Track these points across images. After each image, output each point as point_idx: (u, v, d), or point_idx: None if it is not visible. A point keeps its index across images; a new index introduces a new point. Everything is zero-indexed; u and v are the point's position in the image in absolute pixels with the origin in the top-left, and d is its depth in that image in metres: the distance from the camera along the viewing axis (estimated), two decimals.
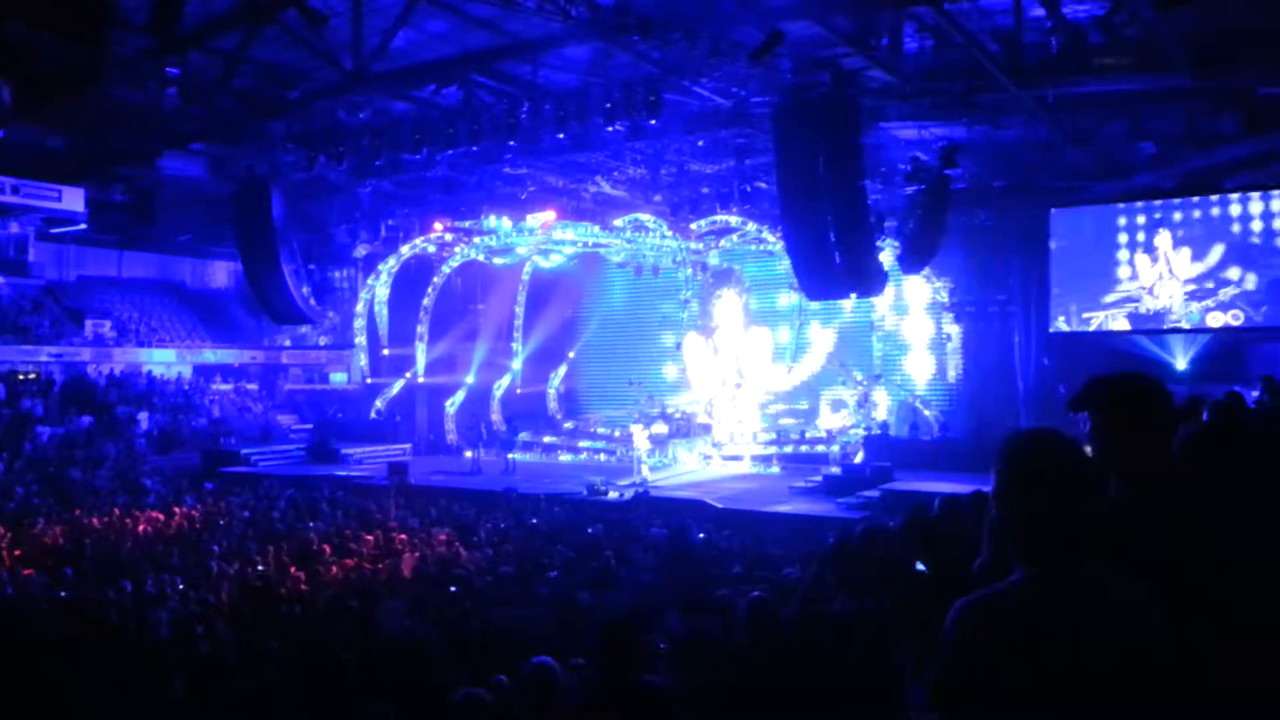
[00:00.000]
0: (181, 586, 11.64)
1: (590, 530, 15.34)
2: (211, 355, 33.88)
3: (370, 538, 15.08)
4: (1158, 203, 22.83)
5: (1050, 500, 1.93)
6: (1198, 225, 22.56)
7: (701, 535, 14.96)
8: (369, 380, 32.83)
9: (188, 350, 33.34)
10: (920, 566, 3.66)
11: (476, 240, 28.69)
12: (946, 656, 1.88)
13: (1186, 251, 22.60)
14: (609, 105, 17.18)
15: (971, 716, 1.86)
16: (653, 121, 17.29)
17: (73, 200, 26.97)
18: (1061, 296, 24.25)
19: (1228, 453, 3.16)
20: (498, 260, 30.78)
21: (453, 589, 10.88)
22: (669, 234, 26.59)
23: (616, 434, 28.37)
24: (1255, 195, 21.86)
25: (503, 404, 31.36)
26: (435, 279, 31.35)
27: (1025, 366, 25.09)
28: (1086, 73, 15.78)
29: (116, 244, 33.44)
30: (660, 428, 27.00)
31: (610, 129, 17.74)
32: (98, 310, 32.14)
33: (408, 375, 31.75)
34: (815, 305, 25.72)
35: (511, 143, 18.83)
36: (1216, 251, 22.33)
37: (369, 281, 31.62)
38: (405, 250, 29.64)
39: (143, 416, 28.20)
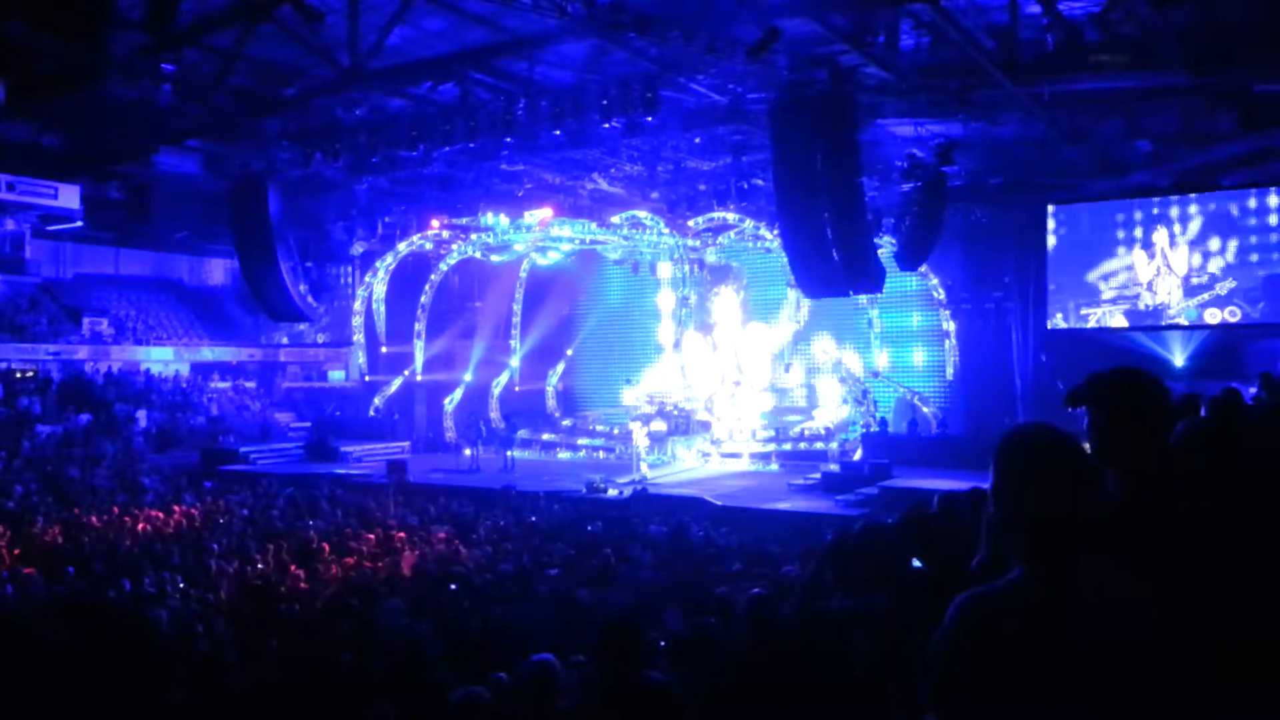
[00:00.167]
0: (182, 585, 11.65)
1: (589, 528, 15.35)
2: (209, 353, 33.85)
3: (370, 536, 15.08)
4: (1155, 200, 22.86)
5: (1048, 496, 1.93)
6: (1194, 222, 22.60)
7: (700, 533, 14.98)
8: (367, 378, 32.82)
9: (185, 348, 33.31)
10: (917, 564, 3.67)
11: (474, 237, 28.69)
12: (944, 654, 1.89)
13: (1184, 248, 22.64)
14: (606, 102, 17.17)
15: (969, 714, 1.87)
16: (649, 118, 17.27)
17: (69, 197, 26.94)
18: (1059, 293, 24.28)
19: (1225, 449, 3.17)
20: (495, 257, 30.76)
21: (452, 587, 10.89)
22: (666, 231, 26.59)
23: (615, 431, 28.39)
24: (1252, 192, 21.90)
25: (501, 401, 31.36)
26: (433, 276, 31.35)
27: (1023, 363, 25.14)
28: (1083, 70, 15.79)
29: (113, 241, 33.41)
30: (659, 425, 27.01)
31: (607, 126, 17.72)
32: (95, 308, 32.10)
33: (406, 373, 31.74)
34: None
35: (508, 140, 18.81)
36: (1213, 248, 22.37)
37: (366, 279, 31.60)
38: (402, 247, 29.63)
39: (141, 415, 28.17)
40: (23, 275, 31.04)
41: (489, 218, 26.68)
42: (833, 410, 27.33)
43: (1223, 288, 22.12)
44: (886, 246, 21.39)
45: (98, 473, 23.11)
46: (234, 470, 25.24)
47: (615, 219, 27.13)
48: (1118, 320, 23.61)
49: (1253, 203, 22.02)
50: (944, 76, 16.31)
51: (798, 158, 16.37)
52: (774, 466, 25.20)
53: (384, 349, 32.45)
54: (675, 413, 28.23)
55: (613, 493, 20.50)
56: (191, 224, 30.83)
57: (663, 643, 6.61)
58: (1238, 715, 2.14)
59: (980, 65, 15.39)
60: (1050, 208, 24.14)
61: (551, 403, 32.60)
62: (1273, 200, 21.82)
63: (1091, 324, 23.91)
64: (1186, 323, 22.71)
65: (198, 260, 37.15)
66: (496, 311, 33.00)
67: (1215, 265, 22.34)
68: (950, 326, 26.59)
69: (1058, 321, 24.36)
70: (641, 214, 26.80)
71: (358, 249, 29.71)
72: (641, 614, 6.97)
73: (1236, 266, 22.09)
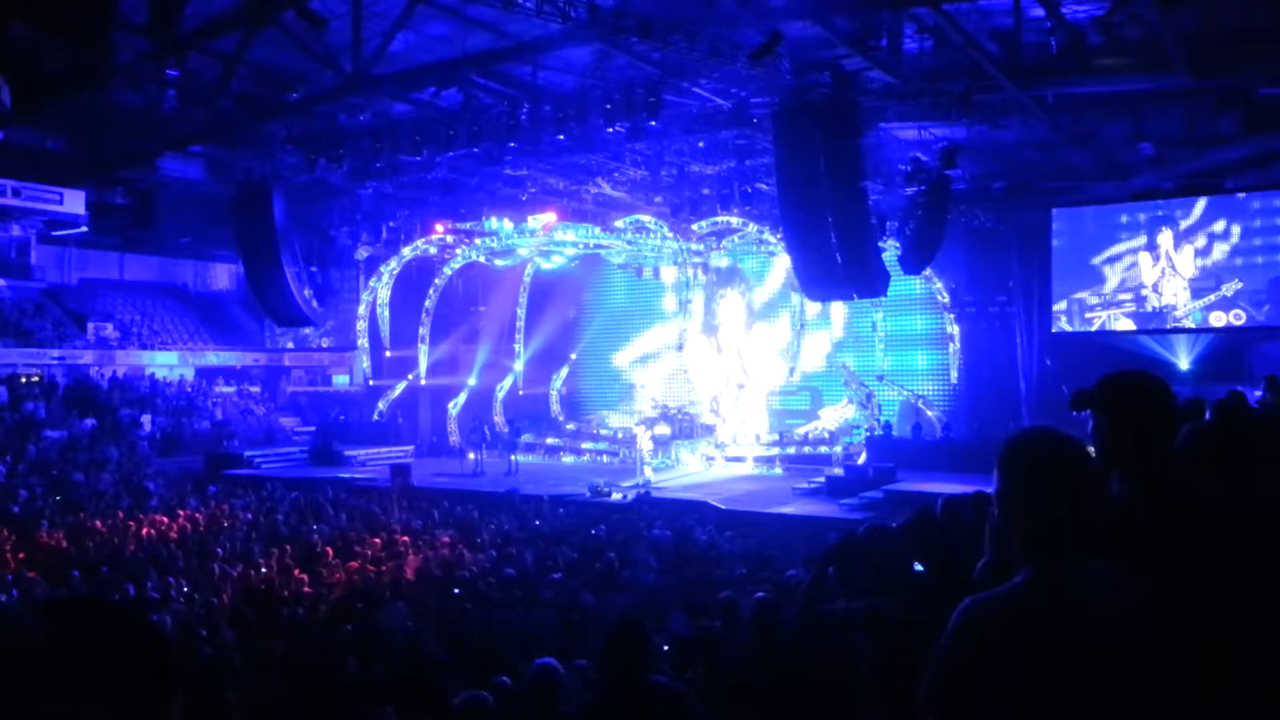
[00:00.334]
0: (186, 589, 11.66)
1: (594, 532, 15.34)
2: (214, 357, 33.90)
3: (374, 540, 15.08)
4: (1159, 202, 22.83)
5: (1053, 500, 1.92)
6: (1199, 224, 22.55)
7: (704, 537, 14.97)
8: (371, 382, 32.82)
9: (190, 352, 33.37)
10: (919, 567, 3.67)
11: (478, 242, 28.71)
12: (947, 658, 1.88)
13: (1188, 250, 22.60)
14: (609, 106, 17.19)
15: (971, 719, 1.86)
16: (653, 123, 17.29)
17: (74, 203, 27.03)
18: (1063, 296, 24.25)
19: (1230, 453, 3.16)
20: (499, 262, 30.79)
21: (456, 591, 10.89)
22: (670, 235, 26.59)
23: (619, 435, 28.37)
24: (1256, 195, 21.86)
25: (505, 405, 31.36)
26: (437, 280, 31.37)
27: (1027, 366, 25.10)
28: (1086, 73, 15.79)
29: (118, 246, 33.48)
30: (663, 429, 27.00)
31: (610, 130, 17.74)
32: (100, 313, 32.16)
33: (410, 377, 31.75)
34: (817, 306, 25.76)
35: (512, 144, 18.85)
36: (1218, 250, 22.33)
37: (370, 283, 31.63)
38: (406, 252, 29.66)
39: (145, 419, 28.22)
40: (28, 280, 31.13)
41: (493, 222, 26.69)
42: (838, 411, 27.29)
43: (1229, 289, 22.07)
44: (890, 250, 21.38)
45: (102, 477, 23.14)
46: (238, 475, 25.26)
47: (619, 223, 27.14)
48: (1123, 323, 23.57)
49: (1257, 205, 21.99)
50: (947, 80, 16.32)
51: (801, 161, 16.37)
52: (778, 470, 25.17)
53: (388, 353, 32.45)
54: (679, 416, 28.23)
55: (617, 496, 20.48)
56: (196, 229, 30.90)
57: (666, 646, 6.60)
58: (1241, 718, 2.13)
59: (984, 69, 15.39)
60: (1054, 211, 24.10)
61: (555, 407, 32.61)
62: (1277, 202, 21.78)
63: (1096, 327, 23.87)
64: (1193, 325, 22.66)
65: (202, 265, 37.22)
66: (500, 316, 33.02)
67: (1220, 268, 22.30)
68: (954, 330, 26.55)
69: (1062, 325, 24.32)
70: (645, 218, 26.80)
71: (362, 254, 29.75)
72: (645, 617, 6.96)
73: (1241, 269, 22.04)
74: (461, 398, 31.41)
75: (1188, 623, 2.07)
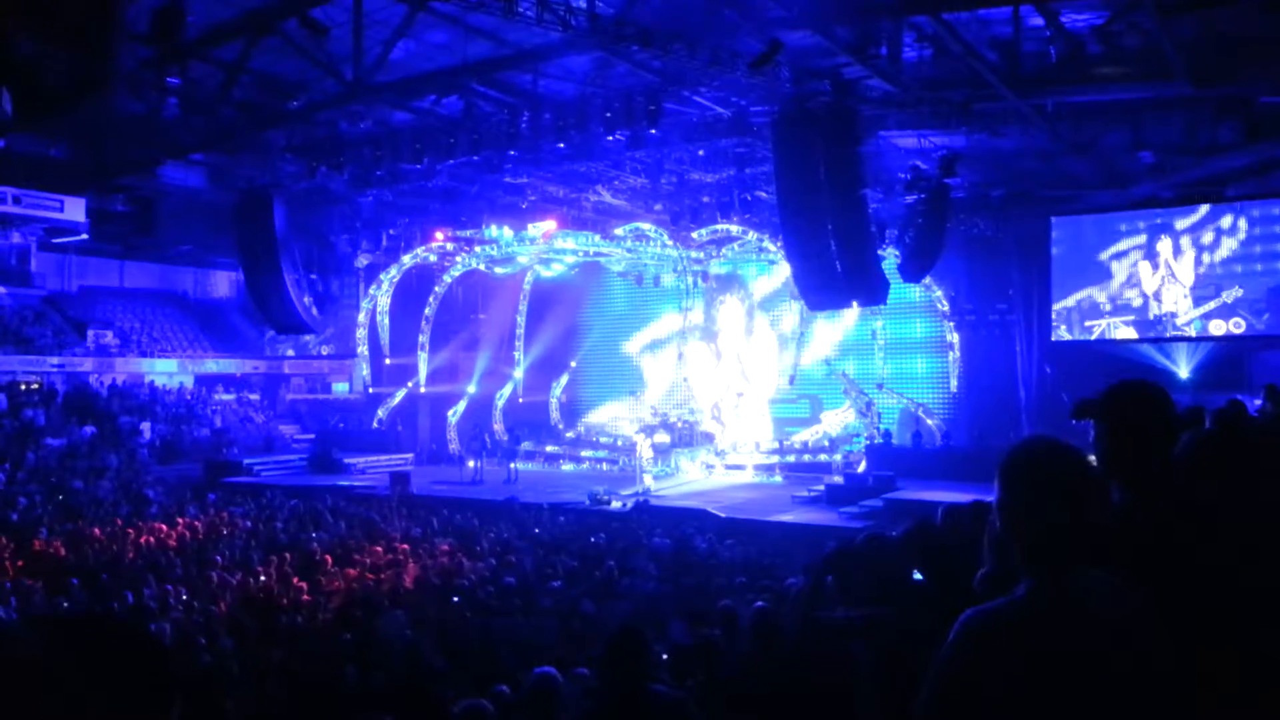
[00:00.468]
0: (185, 597, 11.64)
1: (593, 540, 15.32)
2: (213, 365, 33.90)
3: (373, 548, 15.06)
4: (1158, 211, 22.86)
5: (1053, 510, 1.92)
6: (1199, 233, 22.58)
7: (704, 545, 14.95)
8: (371, 390, 32.82)
9: (190, 360, 33.36)
10: (918, 576, 3.66)
11: (478, 249, 28.73)
12: (948, 669, 1.87)
13: (1188, 258, 22.63)
14: (609, 115, 17.22)
15: None
16: (653, 131, 17.31)
17: (74, 210, 27.07)
18: (1063, 304, 24.27)
19: (1230, 461, 3.16)
20: (499, 269, 30.81)
21: (455, 599, 10.87)
22: (670, 243, 26.62)
23: (619, 443, 28.36)
24: (1256, 203, 21.89)
25: (505, 413, 31.36)
26: (437, 288, 31.39)
27: (1027, 375, 25.10)
28: (1086, 82, 15.82)
29: (118, 254, 33.52)
30: (663, 437, 26.99)
31: (611, 138, 17.76)
32: (100, 320, 32.18)
33: (410, 385, 31.75)
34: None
35: (512, 152, 18.87)
36: (1218, 258, 22.35)
37: (370, 291, 31.64)
38: (407, 259, 29.68)
39: (145, 427, 28.21)
40: (28, 288, 31.15)
41: (493, 230, 26.72)
42: (839, 415, 27.27)
43: (1229, 296, 22.09)
44: (890, 258, 21.40)
45: (101, 485, 23.12)
46: (237, 482, 25.25)
47: (619, 231, 27.16)
48: (1123, 331, 23.58)
49: (1257, 213, 22.01)
50: (947, 88, 16.34)
51: (801, 170, 16.39)
52: (778, 478, 25.16)
53: (388, 361, 32.45)
54: (679, 424, 28.22)
55: (616, 504, 20.47)
56: (196, 237, 30.91)
57: (665, 654, 6.59)
58: None
59: (983, 77, 15.42)
60: (1053, 219, 24.13)
61: (555, 414, 32.60)
62: (1277, 210, 21.80)
63: (1096, 335, 23.89)
64: (1193, 333, 22.67)
65: (202, 272, 37.24)
66: (500, 323, 33.04)
67: (1220, 276, 22.32)
68: (954, 338, 26.56)
69: (1061, 333, 24.33)
70: (645, 226, 26.83)
71: (362, 261, 29.76)
72: (645, 626, 6.95)
73: (1241, 277, 22.06)
74: (461, 405, 31.41)
75: (1188, 631, 2.06)
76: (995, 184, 22.63)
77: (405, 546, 15.16)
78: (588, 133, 17.68)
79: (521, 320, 32.38)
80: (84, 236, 29.07)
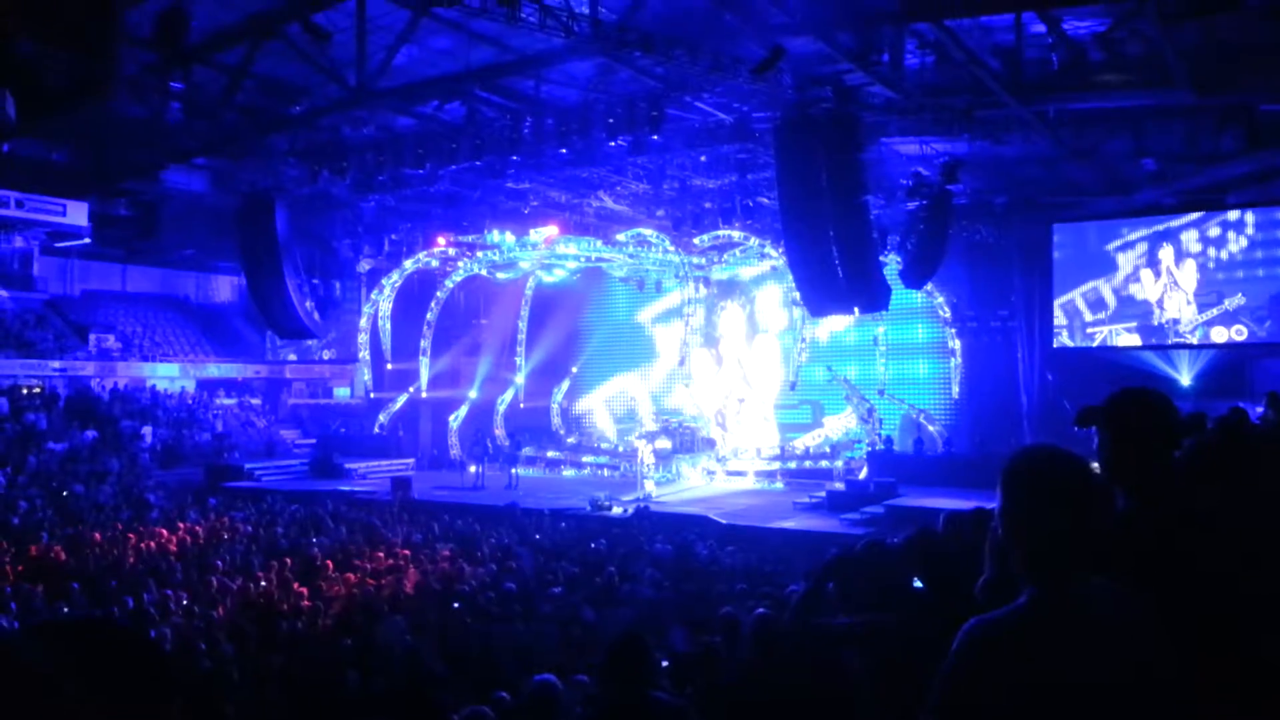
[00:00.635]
0: (185, 602, 11.62)
1: (594, 546, 15.30)
2: (215, 369, 33.90)
3: (374, 554, 15.04)
4: (1160, 218, 22.86)
5: (1055, 517, 1.91)
6: (1201, 240, 22.58)
7: (705, 551, 14.92)
8: (372, 395, 32.83)
9: (191, 364, 33.37)
10: (918, 584, 3.65)
11: (479, 255, 28.75)
12: (951, 679, 1.86)
13: (1190, 265, 22.63)
14: (611, 120, 17.24)
15: None
16: (655, 136, 17.34)
17: (77, 214, 27.10)
18: (1064, 311, 24.26)
19: (1232, 468, 3.15)
20: (500, 275, 30.83)
21: (456, 605, 10.85)
22: (671, 249, 26.64)
23: (620, 449, 28.33)
24: (1258, 210, 21.89)
25: (506, 418, 31.36)
26: (438, 293, 31.40)
27: (1029, 382, 25.08)
28: (1088, 89, 15.83)
29: (121, 258, 33.55)
30: (664, 442, 26.98)
31: (613, 144, 17.79)
32: (102, 324, 32.19)
33: (411, 390, 31.75)
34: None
35: (514, 158, 18.90)
36: (1220, 266, 22.36)
37: (372, 296, 31.67)
38: (408, 264, 29.70)
39: (146, 431, 28.19)
40: (30, 292, 31.17)
41: (495, 235, 26.74)
42: (841, 420, 27.26)
43: (1231, 304, 22.09)
44: (892, 264, 21.41)
45: (103, 489, 23.11)
46: (239, 487, 25.23)
47: (621, 236, 27.19)
48: (1124, 338, 23.57)
49: (1258, 221, 22.00)
50: (949, 95, 16.36)
51: (803, 176, 16.40)
52: (779, 485, 25.14)
53: (389, 366, 32.47)
54: (680, 430, 28.21)
55: (617, 510, 20.45)
56: (199, 241, 30.94)
57: (666, 661, 6.57)
58: None
59: (985, 84, 15.43)
60: (1055, 226, 24.14)
61: (556, 420, 32.59)
62: (1279, 218, 21.80)
63: (1097, 342, 23.88)
64: (1194, 341, 22.66)
65: (205, 277, 37.27)
66: (502, 329, 33.04)
67: (1222, 283, 22.32)
68: (956, 345, 26.55)
69: (1063, 340, 24.32)
70: (647, 232, 26.85)
71: (364, 266, 29.82)
72: (646, 633, 6.93)
73: (1243, 285, 22.05)
74: (462, 411, 31.41)
75: (1190, 638, 2.06)
76: (997, 191, 22.65)
77: (406, 552, 15.15)
78: (590, 138, 17.71)
79: (523, 325, 32.39)
80: (86, 240, 29.12)
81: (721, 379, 29.75)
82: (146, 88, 17.10)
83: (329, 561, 14.12)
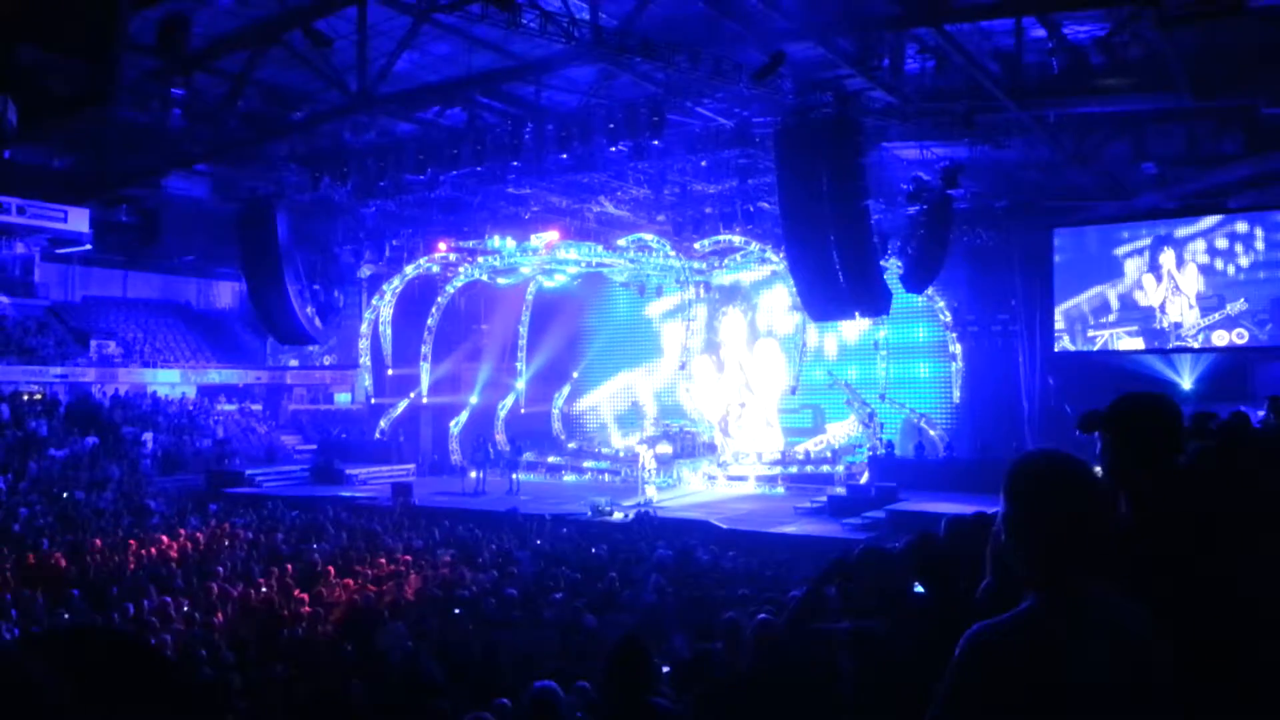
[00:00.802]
0: (186, 609, 11.61)
1: (595, 551, 15.28)
2: (216, 375, 33.91)
3: (376, 560, 15.03)
4: (1161, 222, 22.86)
5: (1058, 523, 1.91)
6: (1201, 244, 22.58)
7: (706, 556, 14.90)
8: (373, 400, 32.82)
9: (192, 370, 33.38)
10: (919, 589, 3.64)
11: (480, 260, 28.75)
12: (955, 685, 1.86)
13: (1191, 269, 22.63)
14: (612, 126, 17.26)
15: None
16: (656, 142, 17.36)
17: (78, 221, 27.13)
18: (1065, 315, 24.26)
19: (1232, 473, 3.15)
20: (501, 280, 30.83)
21: (456, 611, 10.83)
22: (672, 254, 26.65)
23: (621, 454, 28.31)
24: (1259, 214, 21.89)
25: (507, 424, 31.34)
26: (439, 299, 31.39)
27: (1030, 386, 25.06)
28: (1088, 93, 15.86)
29: (122, 264, 33.57)
30: (665, 448, 26.96)
31: (613, 149, 17.80)
32: (103, 330, 32.20)
33: (412, 395, 31.73)
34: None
35: (515, 163, 18.93)
36: (1221, 270, 22.35)
37: (373, 301, 31.67)
38: (409, 270, 29.71)
39: (147, 437, 28.18)
40: (32, 298, 31.18)
41: (495, 241, 26.75)
42: (844, 427, 27.23)
43: (1233, 308, 22.08)
44: (893, 269, 21.41)
45: (103, 496, 23.10)
46: (239, 493, 25.21)
47: (621, 242, 27.20)
48: (1126, 342, 23.56)
49: (1260, 225, 22.00)
50: (949, 100, 16.38)
51: (803, 181, 16.42)
52: (780, 489, 25.11)
53: (390, 371, 32.44)
54: (681, 435, 28.19)
55: (618, 516, 20.42)
56: (200, 247, 30.98)
57: (666, 667, 6.55)
58: None
59: (985, 89, 15.45)
60: (1056, 230, 24.14)
61: (557, 425, 32.58)
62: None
63: (1098, 346, 23.86)
64: (1196, 344, 22.65)
65: (205, 283, 37.30)
66: (502, 334, 33.05)
67: (1223, 287, 22.31)
68: (957, 349, 26.54)
69: (1065, 344, 24.31)
70: (648, 237, 26.86)
71: (365, 272, 29.81)
72: (647, 638, 6.92)
73: (1244, 289, 22.05)
74: (463, 416, 31.40)
75: (1191, 643, 2.05)
76: (998, 195, 22.66)
77: (407, 558, 15.13)
78: (590, 144, 17.73)
79: (524, 331, 32.39)
80: (87, 247, 29.16)
81: (723, 384, 29.74)
82: (148, 94, 17.14)
83: (330, 568, 14.11)
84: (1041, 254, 24.43)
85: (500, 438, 30.13)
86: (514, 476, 25.83)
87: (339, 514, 20.49)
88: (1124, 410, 2.60)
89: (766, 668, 4.38)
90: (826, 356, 28.35)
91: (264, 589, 12.76)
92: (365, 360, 32.19)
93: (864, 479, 23.66)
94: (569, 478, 28.46)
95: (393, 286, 30.75)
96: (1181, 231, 22.80)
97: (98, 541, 16.88)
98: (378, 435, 31.71)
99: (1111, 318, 23.72)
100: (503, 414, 31.58)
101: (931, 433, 26.09)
